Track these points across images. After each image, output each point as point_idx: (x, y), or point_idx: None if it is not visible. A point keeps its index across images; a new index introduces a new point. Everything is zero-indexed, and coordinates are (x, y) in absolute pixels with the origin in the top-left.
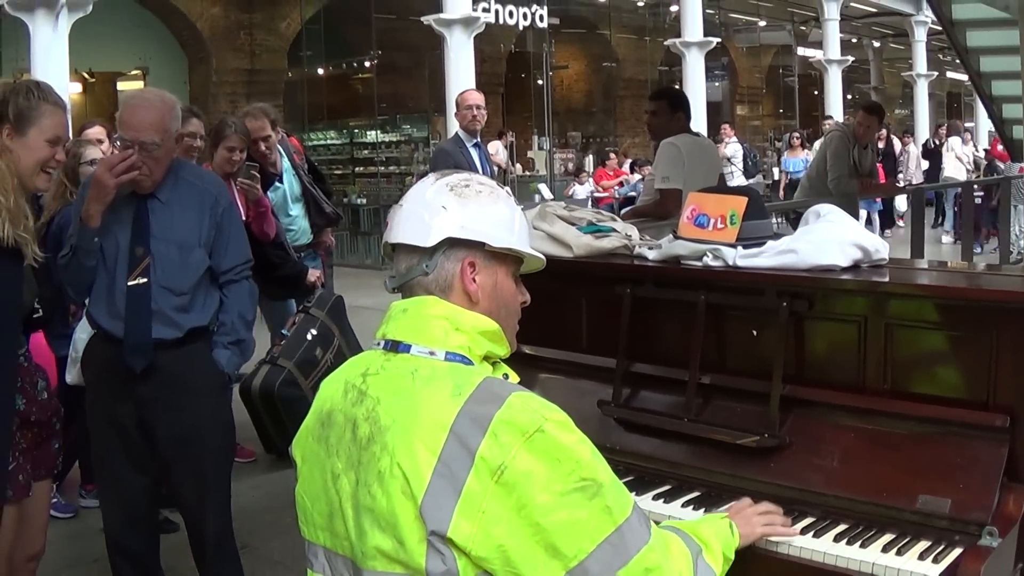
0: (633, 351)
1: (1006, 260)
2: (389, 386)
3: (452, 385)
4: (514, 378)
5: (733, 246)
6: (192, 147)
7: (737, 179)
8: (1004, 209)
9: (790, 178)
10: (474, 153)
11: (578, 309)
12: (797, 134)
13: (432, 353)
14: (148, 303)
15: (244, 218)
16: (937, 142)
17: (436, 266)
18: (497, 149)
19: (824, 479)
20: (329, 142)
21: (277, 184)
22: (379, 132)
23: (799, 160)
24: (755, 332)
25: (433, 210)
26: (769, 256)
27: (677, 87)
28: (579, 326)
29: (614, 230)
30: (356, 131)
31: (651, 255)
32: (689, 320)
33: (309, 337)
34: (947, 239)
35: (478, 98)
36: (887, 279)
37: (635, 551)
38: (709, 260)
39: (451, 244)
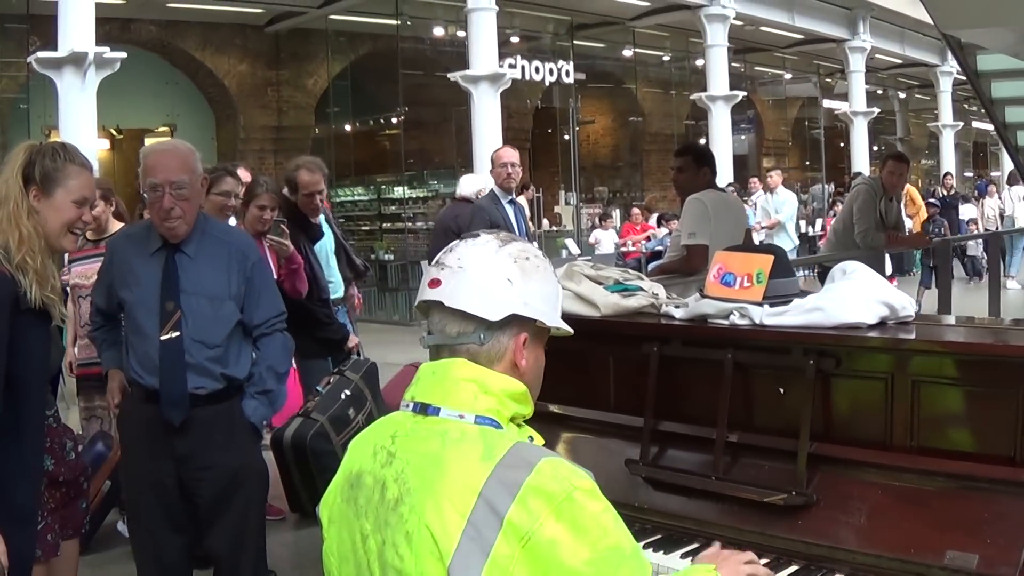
0: (661, 410)
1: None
2: (418, 448)
3: (482, 448)
4: (539, 440)
5: (760, 304)
6: (227, 206)
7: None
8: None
9: None
10: (509, 210)
11: (605, 368)
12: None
13: (461, 416)
14: (182, 356)
15: (276, 277)
16: (945, 192)
17: (492, 338)
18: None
19: (852, 536)
20: (356, 198)
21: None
22: (406, 188)
23: None
24: (782, 390)
25: (500, 283)
26: (796, 314)
27: (703, 142)
28: (607, 385)
29: (641, 289)
30: (383, 187)
31: (678, 314)
32: (716, 378)
33: (343, 396)
34: (1012, 284)
35: (513, 155)
36: (912, 336)
37: None
38: (736, 319)
39: (511, 319)
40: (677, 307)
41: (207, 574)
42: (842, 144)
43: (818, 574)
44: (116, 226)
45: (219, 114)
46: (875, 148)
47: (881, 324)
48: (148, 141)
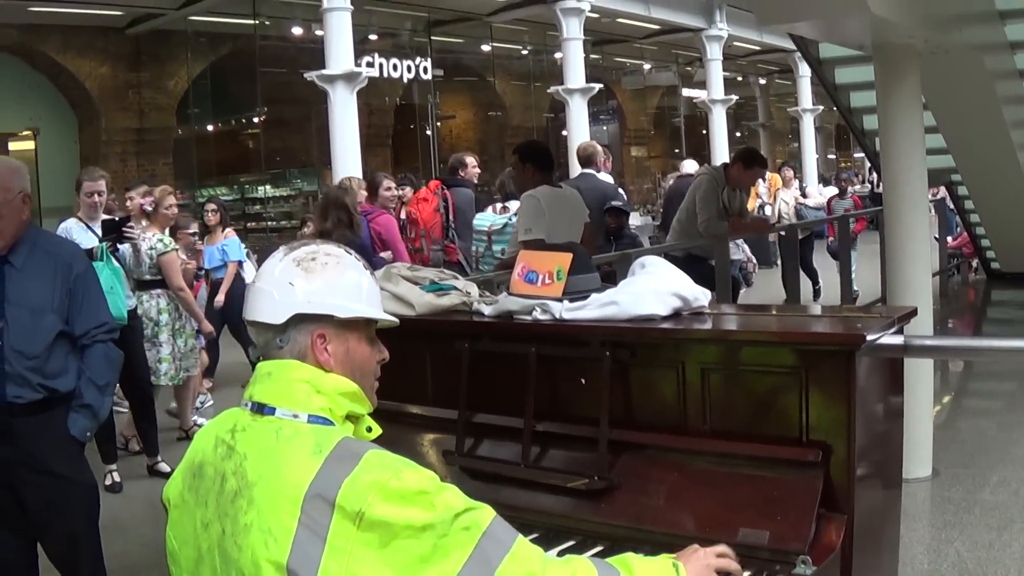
0: (474, 402)
1: (848, 300)
2: (255, 444)
3: (313, 444)
4: (377, 430)
5: (560, 300)
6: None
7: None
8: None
9: None
10: None
11: (423, 364)
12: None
13: (296, 416)
14: (2, 365)
15: None
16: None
17: (289, 340)
18: None
19: (652, 517)
20: (221, 198)
21: None
22: (269, 187)
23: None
24: (583, 380)
25: (281, 287)
26: (592, 308)
27: (536, 140)
28: (425, 380)
29: (455, 288)
30: (247, 187)
31: (487, 311)
32: (523, 371)
33: None
34: None
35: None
36: (699, 326)
37: (498, 561)
38: (538, 314)
39: (301, 319)
40: (488, 305)
41: None
42: (704, 131)
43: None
44: None
45: (81, 117)
46: (738, 134)
47: (676, 315)
48: (12, 146)
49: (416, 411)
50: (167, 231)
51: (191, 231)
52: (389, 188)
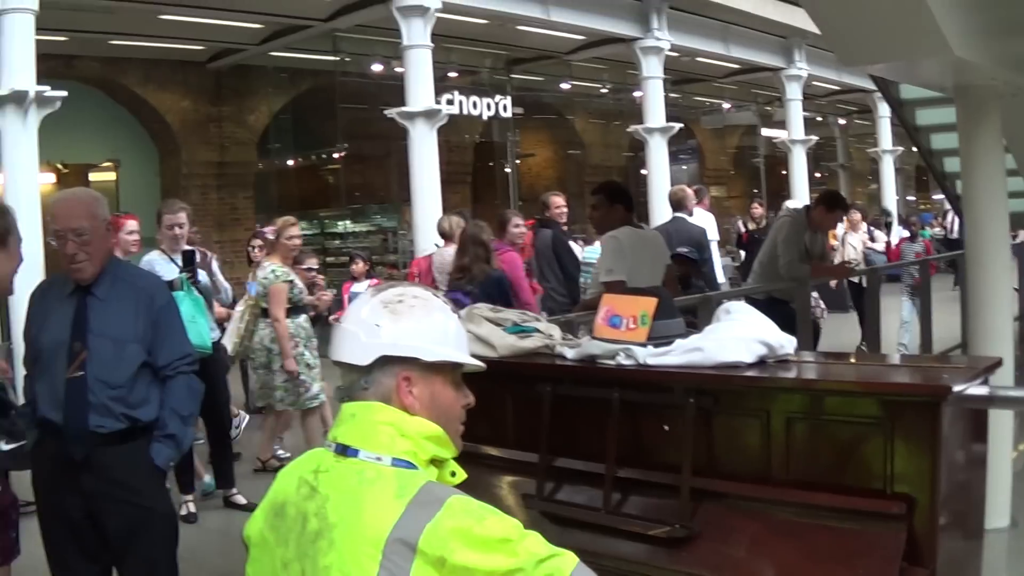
0: (555, 446)
1: (927, 349)
2: (338, 485)
3: (396, 487)
4: (461, 474)
5: (644, 345)
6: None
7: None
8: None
9: None
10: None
11: (504, 406)
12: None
13: (379, 459)
14: (85, 395)
15: None
16: (754, 225)
17: (374, 382)
18: None
19: (732, 567)
20: (300, 232)
21: None
22: (349, 222)
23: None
24: (666, 427)
25: (368, 329)
26: (677, 354)
27: (617, 180)
28: (506, 423)
29: (537, 330)
30: (327, 221)
31: (570, 354)
32: (605, 416)
33: None
34: None
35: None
36: (784, 375)
37: None
38: (622, 359)
39: (386, 361)
40: (570, 348)
41: None
42: (784, 172)
43: None
44: None
45: (162, 150)
46: (817, 175)
47: (761, 363)
48: (92, 176)
49: (496, 453)
50: (287, 263)
51: (306, 267)
52: (518, 225)
